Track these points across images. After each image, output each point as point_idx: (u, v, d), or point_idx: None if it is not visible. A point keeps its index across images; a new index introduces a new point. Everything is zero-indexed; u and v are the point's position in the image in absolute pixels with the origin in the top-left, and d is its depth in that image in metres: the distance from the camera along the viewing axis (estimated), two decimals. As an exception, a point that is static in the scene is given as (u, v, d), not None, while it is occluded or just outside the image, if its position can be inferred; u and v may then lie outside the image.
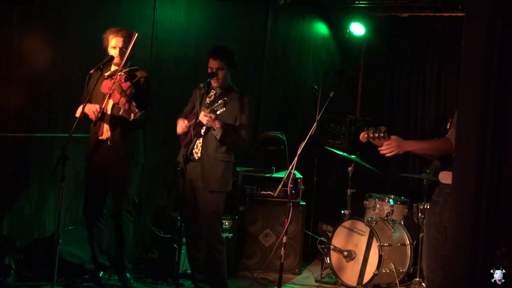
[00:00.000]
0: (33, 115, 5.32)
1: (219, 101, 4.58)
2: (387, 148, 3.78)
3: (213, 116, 4.57)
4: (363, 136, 3.89)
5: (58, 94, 5.41)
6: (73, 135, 4.52)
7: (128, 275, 5.06)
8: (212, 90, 4.88)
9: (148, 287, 5.18)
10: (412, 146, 3.82)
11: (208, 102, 4.80)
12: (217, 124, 4.61)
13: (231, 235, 5.62)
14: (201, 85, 4.67)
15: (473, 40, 3.22)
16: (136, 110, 4.66)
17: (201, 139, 4.78)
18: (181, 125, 4.81)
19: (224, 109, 4.60)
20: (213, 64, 4.76)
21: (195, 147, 4.80)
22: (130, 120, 4.73)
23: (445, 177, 3.84)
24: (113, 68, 4.91)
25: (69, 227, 5.44)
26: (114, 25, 5.21)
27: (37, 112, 5.34)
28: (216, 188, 4.78)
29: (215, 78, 4.76)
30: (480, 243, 3.18)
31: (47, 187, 5.38)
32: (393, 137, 3.76)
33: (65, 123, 5.24)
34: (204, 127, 4.73)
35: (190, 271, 5.13)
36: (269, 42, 6.67)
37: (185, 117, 4.91)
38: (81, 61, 5.35)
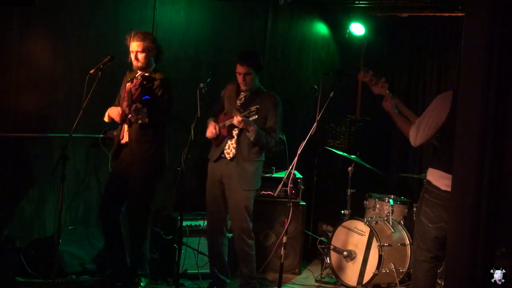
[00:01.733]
0: (33, 115, 5.31)
1: (252, 108, 4.75)
2: (383, 103, 4.31)
3: (247, 120, 4.78)
4: (360, 75, 4.40)
5: (58, 94, 5.41)
6: (73, 135, 4.52)
7: (143, 279, 5.01)
8: (242, 92, 5.03)
9: (148, 287, 5.18)
10: (391, 114, 4.26)
11: (239, 105, 4.98)
12: (251, 127, 4.81)
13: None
14: (201, 85, 4.73)
15: (473, 40, 3.22)
16: (133, 114, 4.66)
17: (233, 140, 4.96)
18: (211, 130, 4.98)
19: (256, 116, 4.77)
20: (240, 70, 4.91)
21: (226, 147, 4.99)
22: (139, 122, 4.74)
23: (428, 173, 4.10)
24: (138, 72, 4.94)
25: (69, 227, 5.44)
26: (114, 25, 5.23)
27: (37, 112, 5.34)
28: (250, 187, 4.99)
29: (243, 82, 4.93)
30: (480, 243, 3.19)
31: (47, 187, 5.38)
32: (389, 99, 4.29)
33: (65, 123, 5.23)
34: (236, 129, 4.93)
35: (210, 269, 5.20)
36: (269, 42, 6.67)
37: (215, 117, 5.06)
38: (81, 61, 5.35)
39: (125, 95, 4.84)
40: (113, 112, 4.90)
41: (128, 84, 4.89)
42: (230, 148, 4.99)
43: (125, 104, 4.85)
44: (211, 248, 5.17)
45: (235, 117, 4.81)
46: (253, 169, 4.99)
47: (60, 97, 5.41)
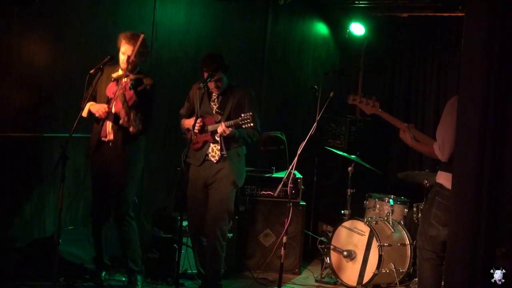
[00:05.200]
0: (33, 115, 5.31)
1: (247, 115, 4.66)
2: (401, 135, 4.29)
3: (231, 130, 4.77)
4: (349, 99, 4.45)
5: (58, 94, 5.41)
6: (73, 135, 4.52)
7: (139, 277, 5.04)
8: (213, 93, 4.97)
9: (148, 287, 5.18)
10: (410, 143, 4.24)
11: (215, 107, 4.94)
12: (236, 136, 4.82)
13: (231, 235, 5.61)
14: (201, 85, 4.70)
15: (473, 40, 3.22)
16: (134, 124, 4.69)
17: (217, 144, 4.92)
18: (198, 124, 4.84)
19: (252, 124, 4.68)
20: (206, 77, 4.83)
21: (210, 150, 4.94)
22: (130, 130, 4.76)
23: (439, 177, 4.09)
24: (120, 72, 4.88)
25: (69, 227, 5.44)
26: (114, 25, 5.21)
27: (37, 112, 5.34)
28: (241, 182, 5.04)
29: (216, 88, 4.89)
30: (480, 243, 3.19)
31: (47, 187, 5.38)
32: (406, 131, 4.24)
33: (65, 123, 5.23)
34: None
35: (196, 270, 5.24)
36: (269, 42, 6.67)
37: (188, 118, 5.00)
38: (81, 61, 5.34)
39: (115, 96, 4.78)
40: (97, 109, 4.79)
41: (111, 84, 4.83)
42: (214, 151, 4.94)
43: (116, 105, 4.80)
44: (199, 250, 5.14)
45: (220, 126, 4.76)
46: (242, 163, 5.04)
47: (60, 97, 5.41)
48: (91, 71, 4.62)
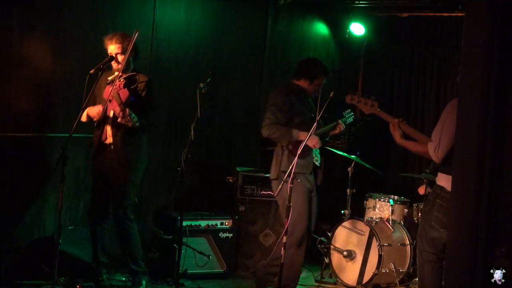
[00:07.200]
0: (33, 115, 5.31)
1: (349, 111, 5.16)
2: (391, 131, 4.23)
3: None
4: (347, 98, 4.46)
5: (58, 94, 5.41)
6: (73, 135, 4.52)
7: (143, 278, 5.02)
8: (307, 95, 5.14)
9: (148, 287, 5.18)
10: (398, 141, 4.22)
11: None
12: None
13: (231, 235, 5.62)
14: (201, 85, 4.71)
15: (473, 40, 3.22)
16: (129, 118, 4.67)
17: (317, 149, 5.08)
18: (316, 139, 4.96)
19: (353, 117, 5.31)
20: (322, 82, 5.09)
21: (314, 156, 5.08)
22: (130, 126, 4.75)
23: (440, 179, 4.02)
24: (116, 73, 4.88)
25: (69, 227, 5.44)
26: (114, 26, 5.20)
27: (37, 112, 5.34)
28: None
29: (316, 92, 5.07)
30: (480, 243, 3.19)
31: (47, 187, 5.38)
32: (397, 128, 4.18)
33: (65, 123, 5.23)
34: None
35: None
36: (269, 42, 6.67)
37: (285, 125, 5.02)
38: (81, 62, 5.35)
39: (111, 98, 4.77)
40: (93, 111, 4.83)
41: (108, 87, 4.82)
42: (317, 156, 5.07)
43: (112, 105, 4.80)
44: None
45: (339, 127, 5.17)
46: None
47: (60, 97, 5.41)
48: (91, 71, 4.62)
